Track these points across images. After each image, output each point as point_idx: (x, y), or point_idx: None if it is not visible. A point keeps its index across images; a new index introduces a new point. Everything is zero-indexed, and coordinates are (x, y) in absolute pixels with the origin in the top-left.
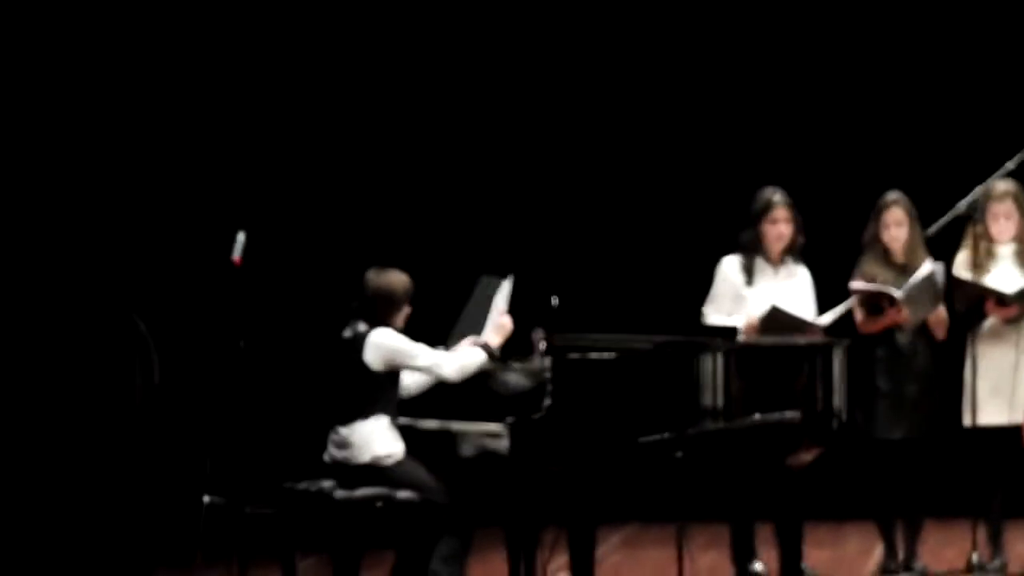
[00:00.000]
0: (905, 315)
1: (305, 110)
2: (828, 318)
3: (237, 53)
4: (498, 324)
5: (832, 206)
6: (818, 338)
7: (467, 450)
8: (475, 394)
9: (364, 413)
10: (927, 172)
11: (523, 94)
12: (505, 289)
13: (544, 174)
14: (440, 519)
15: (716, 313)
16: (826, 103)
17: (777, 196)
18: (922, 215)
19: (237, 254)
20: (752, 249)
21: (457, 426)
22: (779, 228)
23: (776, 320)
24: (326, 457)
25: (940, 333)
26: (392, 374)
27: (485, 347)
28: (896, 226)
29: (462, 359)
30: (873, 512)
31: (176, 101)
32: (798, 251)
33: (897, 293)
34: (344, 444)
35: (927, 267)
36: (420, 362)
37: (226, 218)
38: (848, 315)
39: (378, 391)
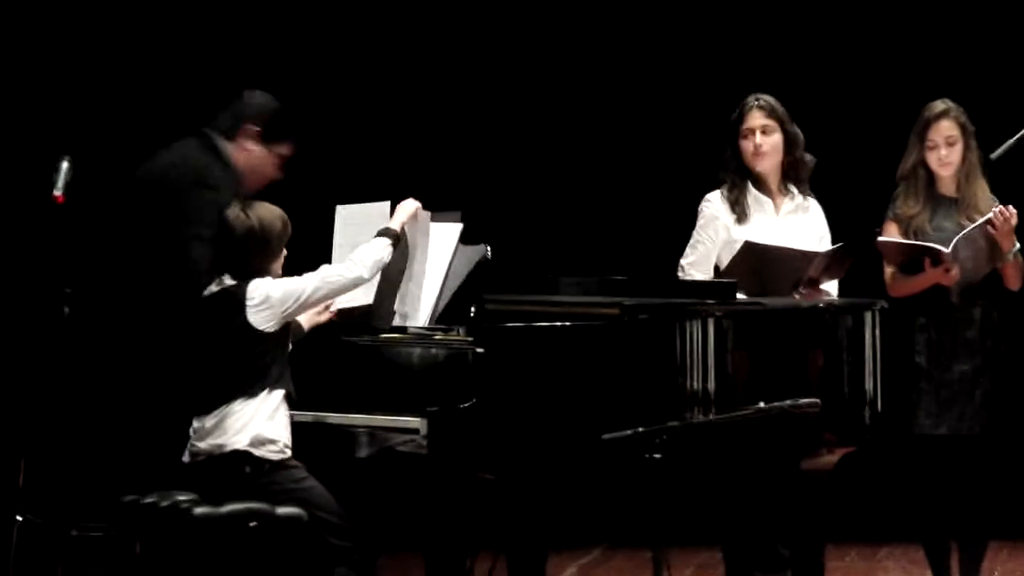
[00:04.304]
0: (955, 274)
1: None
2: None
3: None
4: (400, 207)
5: (852, 128)
6: (834, 294)
7: (366, 449)
8: (376, 374)
9: (252, 387)
10: (983, 80)
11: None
12: (451, 233)
13: (470, 78)
14: (334, 544)
15: (698, 267)
16: None
17: (754, 100)
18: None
19: (59, 188)
20: (737, 177)
21: (356, 419)
22: (754, 141)
23: (756, 259)
24: (185, 457)
25: (1014, 283)
26: (283, 336)
27: (388, 233)
28: (947, 145)
29: (369, 255)
30: (919, 533)
31: None
32: (803, 178)
33: (944, 250)
34: (214, 429)
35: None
36: (311, 291)
37: (45, 141)
38: (876, 273)
39: (271, 355)
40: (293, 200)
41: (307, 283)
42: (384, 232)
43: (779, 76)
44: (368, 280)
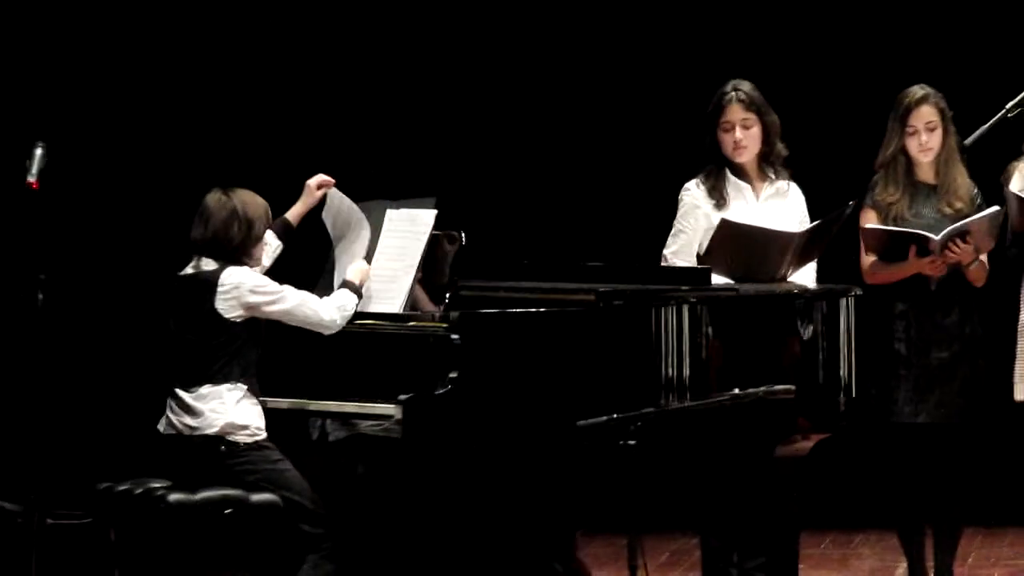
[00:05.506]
0: (940, 265)
1: None
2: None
3: None
4: (359, 269)
5: (829, 113)
6: (812, 281)
7: (337, 431)
8: (350, 361)
9: (215, 376)
10: (958, 67)
11: None
12: (426, 219)
13: (448, 64)
14: (306, 532)
15: (681, 256)
16: None
17: (732, 91)
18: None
19: (33, 175)
20: (716, 164)
21: (330, 407)
22: (734, 136)
23: (734, 239)
24: (161, 427)
25: (978, 284)
26: (253, 327)
27: (353, 288)
28: (927, 131)
29: (339, 301)
30: (894, 519)
31: None
32: (780, 163)
33: (933, 237)
34: (189, 410)
35: (989, 209)
36: (286, 305)
37: (19, 128)
38: (852, 259)
39: (235, 347)
40: (273, 187)
41: (286, 294)
42: (353, 288)
43: (757, 61)
44: (337, 330)
